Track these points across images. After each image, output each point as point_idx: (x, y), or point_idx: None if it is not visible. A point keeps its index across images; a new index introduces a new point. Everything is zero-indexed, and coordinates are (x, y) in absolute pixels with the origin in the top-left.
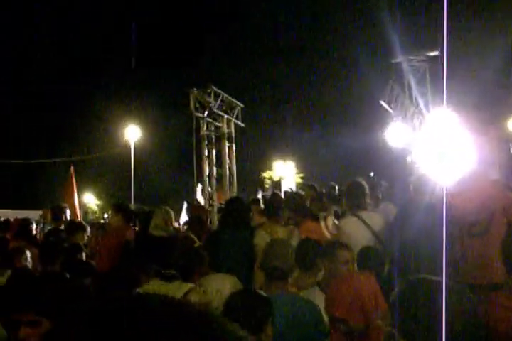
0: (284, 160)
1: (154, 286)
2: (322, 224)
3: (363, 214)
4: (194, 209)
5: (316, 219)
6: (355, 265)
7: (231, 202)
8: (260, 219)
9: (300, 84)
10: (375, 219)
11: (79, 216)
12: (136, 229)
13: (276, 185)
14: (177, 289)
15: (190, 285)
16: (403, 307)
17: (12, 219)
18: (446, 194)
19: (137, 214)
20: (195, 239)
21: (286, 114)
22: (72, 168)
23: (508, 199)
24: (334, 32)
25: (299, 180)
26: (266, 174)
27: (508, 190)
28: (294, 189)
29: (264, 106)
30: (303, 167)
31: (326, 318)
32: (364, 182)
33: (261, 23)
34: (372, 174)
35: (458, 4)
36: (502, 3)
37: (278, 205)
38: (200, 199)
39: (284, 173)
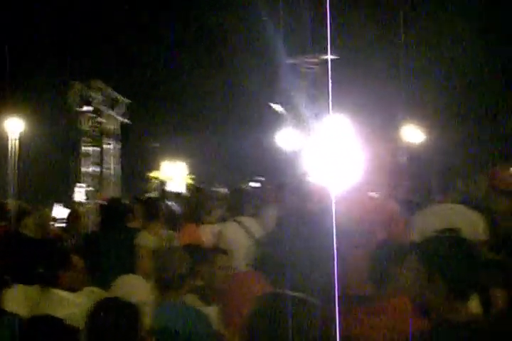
0: (173, 160)
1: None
2: (204, 228)
3: (245, 220)
4: (72, 210)
5: (198, 223)
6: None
7: (108, 202)
8: (143, 220)
9: (189, 81)
10: (256, 225)
11: None
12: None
13: (162, 185)
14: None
15: None
16: (256, 322)
17: None
18: (333, 203)
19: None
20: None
21: (175, 111)
22: None
23: (387, 213)
24: (222, 28)
25: (190, 181)
26: (153, 174)
27: (391, 202)
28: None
29: (153, 103)
30: (194, 168)
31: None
32: (248, 188)
33: (151, 19)
34: (260, 178)
35: (348, 10)
36: (389, 8)
37: (161, 207)
38: (80, 198)
39: (173, 174)
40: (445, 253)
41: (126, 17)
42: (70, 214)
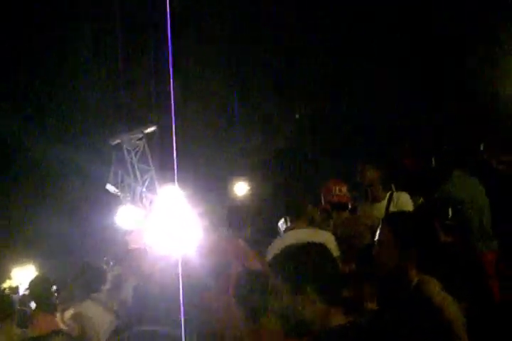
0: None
1: None
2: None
3: (99, 297)
4: None
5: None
6: None
7: None
8: None
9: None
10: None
11: None
12: None
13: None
14: None
15: None
16: None
17: None
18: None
19: None
20: None
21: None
22: None
23: (240, 248)
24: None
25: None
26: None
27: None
28: None
29: None
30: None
31: None
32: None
33: None
34: (105, 258)
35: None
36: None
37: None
38: None
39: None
40: (308, 260)
41: None
42: None
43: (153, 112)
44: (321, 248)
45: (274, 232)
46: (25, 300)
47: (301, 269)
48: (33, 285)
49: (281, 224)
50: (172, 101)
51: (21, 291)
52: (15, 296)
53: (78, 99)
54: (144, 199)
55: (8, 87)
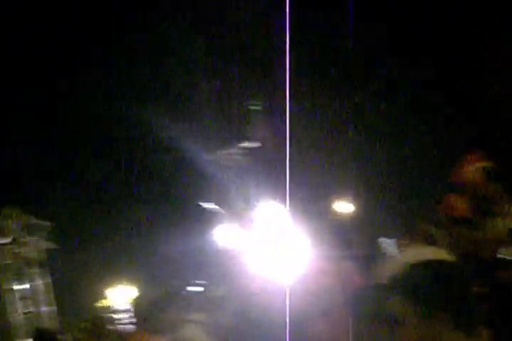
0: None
1: None
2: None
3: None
4: None
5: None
6: None
7: None
8: None
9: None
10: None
11: None
12: None
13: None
14: None
15: None
16: None
17: None
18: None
19: None
20: None
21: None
22: None
23: (348, 271)
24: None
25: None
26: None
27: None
28: None
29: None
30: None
31: None
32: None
33: None
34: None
35: None
36: None
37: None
38: None
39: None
40: (440, 281)
41: None
42: None
43: (251, 126)
44: (452, 268)
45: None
46: (122, 320)
47: (433, 292)
48: (135, 304)
49: (387, 240)
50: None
51: (118, 312)
52: (109, 316)
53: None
54: (244, 217)
55: None
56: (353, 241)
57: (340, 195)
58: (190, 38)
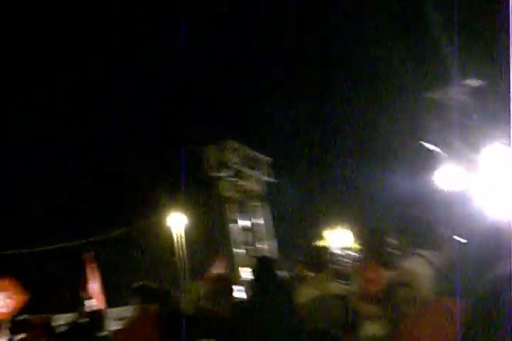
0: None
1: None
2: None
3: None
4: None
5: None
6: None
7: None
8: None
9: (337, 128)
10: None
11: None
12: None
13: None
14: None
15: None
16: None
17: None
18: None
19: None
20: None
21: (327, 164)
22: (87, 254)
23: None
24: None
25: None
26: (321, 243)
27: None
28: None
29: (301, 159)
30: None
31: None
32: None
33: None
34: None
35: None
36: None
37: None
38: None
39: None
40: None
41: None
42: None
43: (478, 64)
44: None
45: None
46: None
47: None
48: (365, 237)
49: None
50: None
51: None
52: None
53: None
54: (467, 159)
55: None
56: None
57: None
58: None
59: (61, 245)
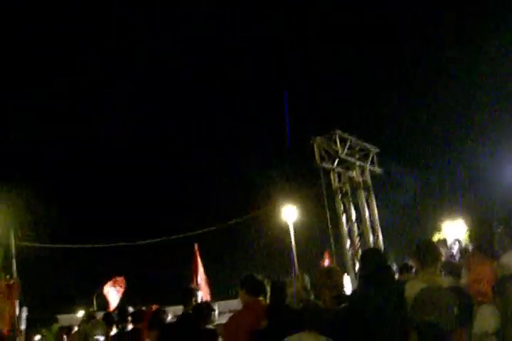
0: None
1: None
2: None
3: None
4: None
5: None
6: None
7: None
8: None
9: (447, 114)
10: None
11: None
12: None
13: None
14: None
15: None
16: None
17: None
18: None
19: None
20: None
21: (442, 150)
22: (196, 246)
23: None
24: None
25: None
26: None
27: None
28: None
29: (407, 148)
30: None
31: None
32: None
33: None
34: None
35: None
36: None
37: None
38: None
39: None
40: None
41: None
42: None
43: None
44: None
45: None
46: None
47: None
48: (474, 226)
49: None
50: None
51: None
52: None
53: None
54: None
55: None
56: None
57: None
58: None
59: (169, 237)
